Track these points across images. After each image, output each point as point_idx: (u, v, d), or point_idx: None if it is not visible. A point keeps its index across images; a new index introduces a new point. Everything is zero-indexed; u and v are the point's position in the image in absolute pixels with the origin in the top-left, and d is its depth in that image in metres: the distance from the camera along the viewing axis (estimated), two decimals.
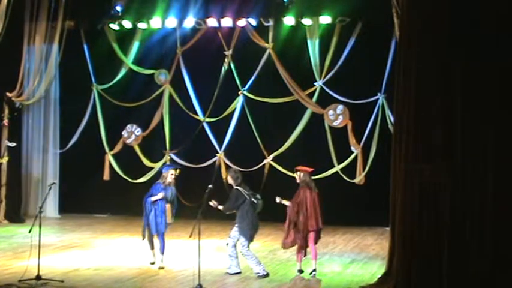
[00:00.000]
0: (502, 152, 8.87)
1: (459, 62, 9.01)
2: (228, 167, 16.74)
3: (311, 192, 10.97)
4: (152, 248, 11.58)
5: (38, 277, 10.11)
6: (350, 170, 16.44)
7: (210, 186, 10.45)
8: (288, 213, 10.97)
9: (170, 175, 11.65)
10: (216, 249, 13.35)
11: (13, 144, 17.25)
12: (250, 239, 10.88)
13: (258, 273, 10.79)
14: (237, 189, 10.96)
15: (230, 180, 11.17)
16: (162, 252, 11.50)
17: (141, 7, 17.21)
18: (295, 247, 11.23)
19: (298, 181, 11.10)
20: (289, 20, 16.45)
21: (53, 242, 13.73)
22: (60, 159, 18.40)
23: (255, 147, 16.94)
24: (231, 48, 17.25)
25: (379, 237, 14.95)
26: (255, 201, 10.90)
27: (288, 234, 11.07)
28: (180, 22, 17.21)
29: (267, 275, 10.78)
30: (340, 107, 16.61)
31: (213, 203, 10.87)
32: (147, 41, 17.88)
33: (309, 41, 16.68)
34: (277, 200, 11.02)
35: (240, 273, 10.89)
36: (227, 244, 11.00)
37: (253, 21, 16.78)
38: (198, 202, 10.85)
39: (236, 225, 10.94)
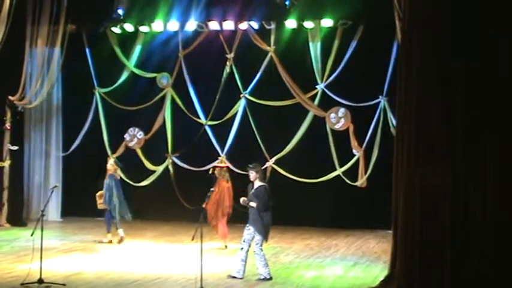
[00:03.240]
0: (502, 153, 8.87)
1: (460, 63, 9.01)
2: (229, 169, 16.74)
3: (227, 182, 13.85)
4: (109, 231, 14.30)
5: (40, 281, 10.10)
6: (352, 173, 16.43)
7: (212, 189, 10.43)
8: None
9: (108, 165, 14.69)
10: (218, 252, 13.36)
11: (15, 148, 17.25)
12: (265, 237, 10.80)
13: (262, 275, 10.76)
14: (265, 185, 10.85)
15: (254, 177, 10.91)
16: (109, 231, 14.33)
17: (143, 10, 17.21)
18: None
19: (217, 175, 13.80)
20: (291, 23, 16.44)
21: (55, 246, 13.74)
22: (62, 163, 18.42)
23: (257, 150, 16.92)
24: (233, 52, 17.26)
25: (381, 240, 14.93)
26: (271, 202, 10.86)
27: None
28: (182, 25, 17.21)
29: (269, 279, 10.76)
30: (342, 110, 16.60)
31: (242, 200, 10.81)
32: (149, 45, 17.89)
33: (310, 44, 16.68)
34: (242, 200, 10.99)
35: (242, 278, 10.86)
36: (241, 249, 10.90)
37: (255, 25, 16.78)
38: (200, 205, 10.84)
39: (248, 227, 10.84)
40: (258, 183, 10.87)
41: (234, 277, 10.82)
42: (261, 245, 10.78)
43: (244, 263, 10.86)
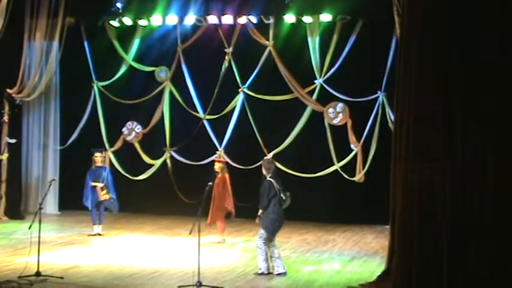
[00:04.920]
0: (502, 151, 8.87)
1: (459, 61, 9.01)
2: (227, 164, 16.76)
3: (229, 176, 13.98)
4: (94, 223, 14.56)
5: (38, 273, 10.12)
6: (350, 168, 16.44)
7: (210, 183, 10.42)
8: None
9: (95, 158, 14.79)
10: (215, 246, 13.38)
11: (13, 141, 17.26)
12: (269, 232, 10.74)
13: (260, 269, 10.75)
14: (270, 181, 10.80)
15: (263, 171, 10.95)
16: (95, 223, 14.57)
17: (141, 4, 17.21)
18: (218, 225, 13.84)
19: (218, 170, 13.81)
20: (289, 18, 16.44)
21: (52, 239, 13.75)
22: (60, 156, 18.42)
23: (255, 145, 16.94)
24: (232, 46, 17.25)
25: (378, 235, 14.96)
26: (284, 198, 10.81)
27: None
28: (181, 19, 17.21)
29: (267, 274, 10.76)
30: (340, 104, 16.61)
31: (258, 220, 10.87)
32: (147, 38, 17.90)
33: (309, 39, 16.67)
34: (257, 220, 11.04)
35: (285, 273, 10.74)
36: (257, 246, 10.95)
37: (253, 19, 16.78)
38: (198, 199, 10.85)
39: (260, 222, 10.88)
40: (266, 178, 10.91)
41: (276, 274, 10.71)
42: (264, 239, 10.76)
43: (276, 258, 10.80)
